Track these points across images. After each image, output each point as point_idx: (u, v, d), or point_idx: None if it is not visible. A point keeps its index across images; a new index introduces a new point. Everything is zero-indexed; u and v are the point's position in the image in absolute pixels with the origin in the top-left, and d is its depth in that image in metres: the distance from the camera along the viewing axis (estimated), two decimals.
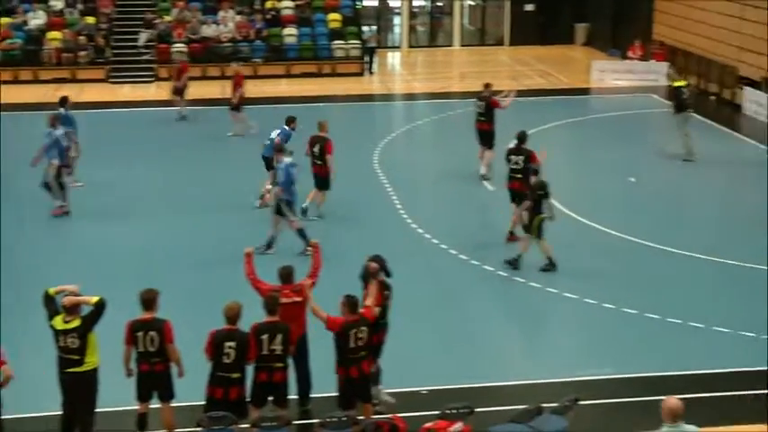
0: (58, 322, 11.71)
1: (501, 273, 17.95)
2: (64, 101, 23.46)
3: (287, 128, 21.42)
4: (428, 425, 11.42)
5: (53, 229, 20.46)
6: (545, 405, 11.68)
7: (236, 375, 11.80)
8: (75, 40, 37.03)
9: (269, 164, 20.65)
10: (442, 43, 46.40)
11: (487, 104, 23.27)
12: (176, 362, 12.06)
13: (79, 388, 11.79)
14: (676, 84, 24.85)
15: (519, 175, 19.20)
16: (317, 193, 20.73)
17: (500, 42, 45.91)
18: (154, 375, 12.00)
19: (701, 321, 15.74)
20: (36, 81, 35.88)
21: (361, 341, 12.17)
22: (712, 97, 33.52)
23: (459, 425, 11.46)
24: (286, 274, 12.89)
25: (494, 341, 15.55)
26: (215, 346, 11.71)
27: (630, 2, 41.05)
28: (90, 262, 18.27)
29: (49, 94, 33.66)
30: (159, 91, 34.79)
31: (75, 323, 11.68)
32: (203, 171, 24.70)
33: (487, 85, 23.80)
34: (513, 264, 18.05)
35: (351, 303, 12.29)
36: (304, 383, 13.20)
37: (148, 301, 11.98)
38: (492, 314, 16.50)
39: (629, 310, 16.25)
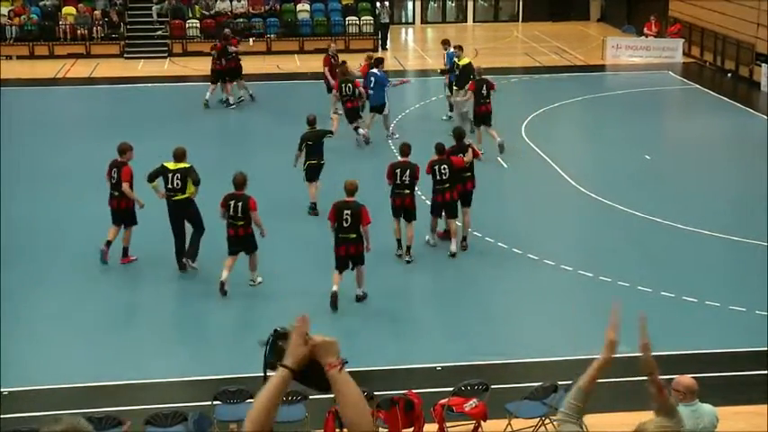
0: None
1: (515, 250, 17.93)
2: (378, 62, 25.71)
3: None
4: (443, 401, 11.48)
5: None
6: (561, 382, 11.70)
7: (353, 236, 15.04)
8: (89, 15, 37.04)
9: None
10: (455, 19, 46.27)
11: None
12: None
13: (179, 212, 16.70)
14: (463, 62, 25.63)
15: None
16: None
17: (514, 18, 45.73)
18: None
19: (717, 300, 15.73)
20: (51, 56, 35.87)
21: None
22: (729, 74, 33.35)
23: (473, 401, 11.52)
24: None
25: (510, 318, 15.55)
26: (336, 214, 15.04)
27: None
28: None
29: (65, 68, 33.75)
30: (172, 66, 34.82)
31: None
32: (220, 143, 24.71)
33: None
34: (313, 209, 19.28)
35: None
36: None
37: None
38: (507, 291, 16.50)
39: (645, 288, 16.22)
